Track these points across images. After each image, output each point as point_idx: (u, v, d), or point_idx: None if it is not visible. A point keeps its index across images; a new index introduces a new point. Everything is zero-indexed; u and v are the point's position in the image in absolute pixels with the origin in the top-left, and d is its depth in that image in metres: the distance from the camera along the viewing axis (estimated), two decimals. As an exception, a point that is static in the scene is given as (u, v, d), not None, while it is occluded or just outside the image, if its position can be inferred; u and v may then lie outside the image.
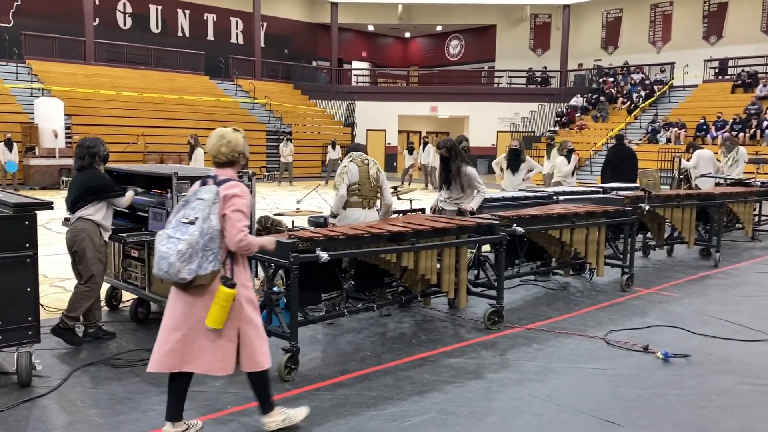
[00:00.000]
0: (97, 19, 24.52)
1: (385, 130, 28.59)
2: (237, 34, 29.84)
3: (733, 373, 4.35)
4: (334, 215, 5.49)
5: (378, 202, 5.57)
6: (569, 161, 9.96)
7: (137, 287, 5.19)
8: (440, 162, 6.49)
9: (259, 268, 5.46)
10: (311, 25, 31.93)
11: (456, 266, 5.12)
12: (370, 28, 33.92)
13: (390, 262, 4.71)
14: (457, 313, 5.71)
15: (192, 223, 3.06)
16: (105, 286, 5.67)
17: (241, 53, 28.61)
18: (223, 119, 23.09)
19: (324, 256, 4.09)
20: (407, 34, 35.79)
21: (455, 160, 6.24)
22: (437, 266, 5.02)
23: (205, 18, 28.82)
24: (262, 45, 28.60)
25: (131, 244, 5.03)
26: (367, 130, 28.39)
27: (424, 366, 4.40)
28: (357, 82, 32.16)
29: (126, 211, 5.22)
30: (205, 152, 13.12)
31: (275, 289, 4.45)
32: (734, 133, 20.37)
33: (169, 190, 4.77)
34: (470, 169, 6.25)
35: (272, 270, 4.42)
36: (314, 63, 31.78)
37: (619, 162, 11.38)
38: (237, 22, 29.68)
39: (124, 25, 26.62)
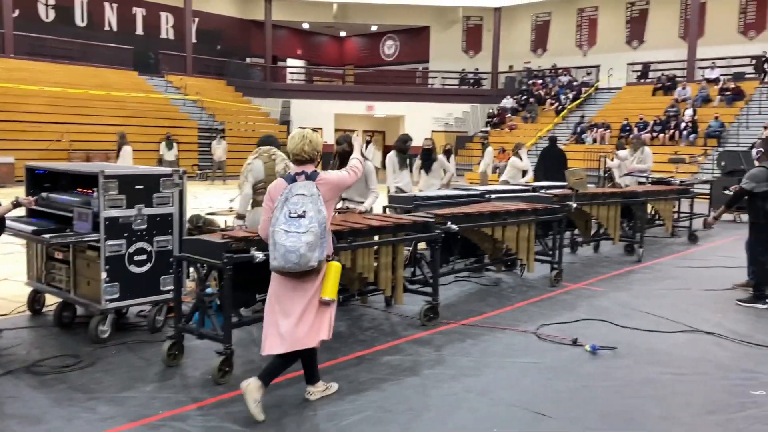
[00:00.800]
0: (17, 11, 23.33)
1: (321, 129, 28.44)
2: (167, 29, 29.03)
3: (656, 363, 4.55)
4: (240, 216, 5.36)
5: None
6: (521, 160, 10.65)
7: (62, 290, 4.97)
8: (339, 158, 6.19)
9: (191, 269, 5.33)
10: (244, 21, 31.42)
11: (393, 264, 5.15)
12: (305, 26, 33.68)
13: (326, 261, 4.68)
14: (393, 310, 5.75)
15: (302, 216, 3.38)
16: (27, 290, 5.42)
17: (172, 49, 27.84)
18: (153, 116, 22.41)
19: (259, 256, 4.03)
20: (342, 33, 35.73)
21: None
22: (374, 264, 5.04)
23: (134, 12, 27.90)
24: (194, 40, 27.93)
25: (55, 246, 4.81)
26: (302, 128, 28.13)
27: (361, 365, 4.40)
28: (292, 80, 31.86)
29: (51, 211, 5.00)
30: (133, 150, 12.72)
31: (208, 290, 4.36)
32: (655, 134, 21.38)
33: (95, 189, 4.59)
34: (370, 166, 6.04)
35: (205, 271, 4.32)
36: (248, 59, 31.29)
37: (551, 161, 11.78)
38: (167, 16, 28.87)
39: (47, 17, 25.43)
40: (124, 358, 4.44)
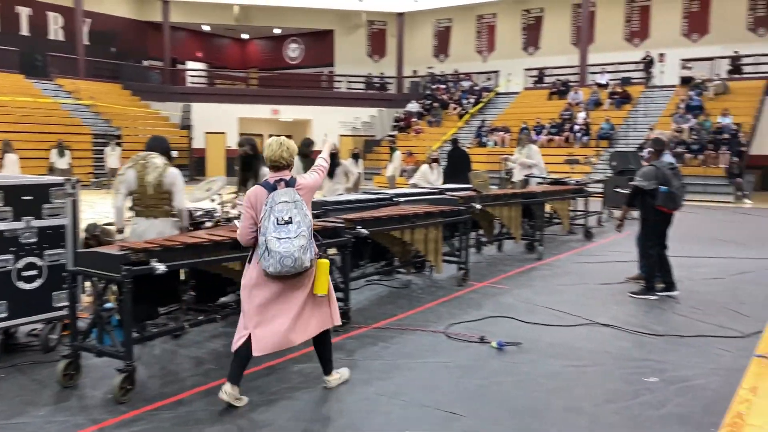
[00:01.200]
0: None
1: (225, 133, 27.80)
2: (56, 30, 27.41)
3: (559, 356, 4.75)
4: (120, 230, 5.12)
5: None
6: (432, 169, 11.00)
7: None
8: (241, 161, 6.02)
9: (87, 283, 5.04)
10: (140, 22, 30.19)
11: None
12: (206, 27, 32.79)
13: (234, 270, 4.57)
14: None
15: (289, 222, 3.59)
16: None
17: (62, 51, 26.33)
18: (42, 122, 21.11)
19: (160, 267, 3.87)
20: (245, 36, 35.09)
21: (257, 159, 5.83)
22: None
23: (17, 11, 26.13)
24: (87, 42, 26.55)
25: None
26: (206, 132, 27.44)
27: (272, 374, 4.31)
28: (193, 83, 30.92)
29: None
30: (19, 158, 11.92)
31: (107, 305, 4.14)
32: (551, 136, 22.41)
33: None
34: (267, 171, 6.00)
35: (102, 285, 4.10)
36: (145, 62, 30.08)
37: (456, 164, 12.13)
38: (56, 17, 27.26)
39: None
40: (14, 381, 4.13)
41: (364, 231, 5.65)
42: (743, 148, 19.00)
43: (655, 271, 6.59)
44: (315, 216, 6.25)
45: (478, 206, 7.57)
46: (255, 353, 3.72)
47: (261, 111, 28.68)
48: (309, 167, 8.52)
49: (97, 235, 5.92)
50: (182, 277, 4.80)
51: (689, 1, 25.30)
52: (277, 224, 3.57)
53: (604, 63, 25.34)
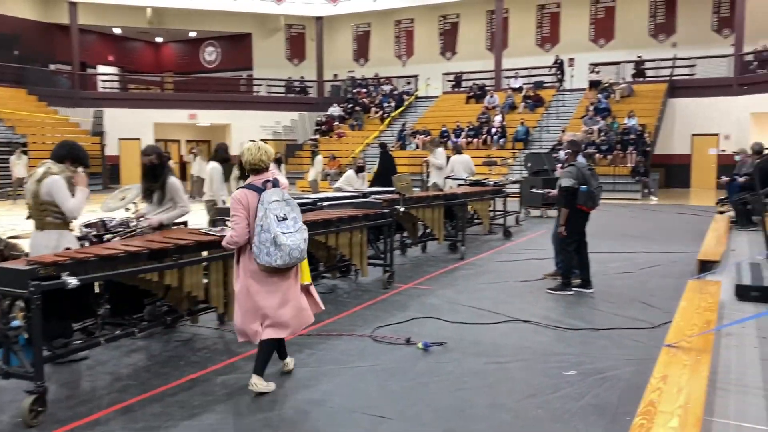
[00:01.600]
0: None
1: (140, 139, 26.83)
2: (-50, 30, 25.68)
3: (482, 354, 4.86)
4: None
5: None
6: (357, 175, 11.13)
7: None
8: (146, 171, 5.61)
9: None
10: (46, 24, 28.67)
11: (224, 279, 4.97)
12: (117, 30, 31.55)
13: (151, 281, 4.41)
14: (227, 328, 5.55)
15: (285, 219, 3.88)
16: None
17: (-43, 53, 24.69)
18: (-64, 129, 19.70)
19: (72, 281, 3.69)
20: (159, 39, 34.00)
21: (164, 169, 5.49)
22: (204, 281, 4.83)
23: None
24: (-15, 45, 25.01)
25: None
26: (120, 139, 26.40)
27: (194, 388, 4.19)
28: (105, 88, 29.66)
29: None
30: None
31: (14, 323, 3.89)
32: (469, 139, 22.92)
33: None
34: (175, 180, 5.56)
35: (8, 302, 3.86)
36: (52, 66, 28.60)
37: (383, 167, 12.28)
38: (-51, 17, 25.54)
39: None
40: None
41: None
42: (648, 148, 20.08)
43: (571, 268, 6.85)
44: (160, 227, 6.09)
45: (402, 208, 7.64)
46: (261, 338, 4.05)
47: (177, 116, 27.86)
48: (230, 172, 8.36)
49: (2, 250, 5.57)
50: (97, 290, 4.59)
51: (595, 8, 26.53)
52: (278, 220, 3.85)
53: (518, 68, 26.17)
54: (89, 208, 5.19)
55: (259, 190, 3.92)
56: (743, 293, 4.70)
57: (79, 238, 5.03)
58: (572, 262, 6.84)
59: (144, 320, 4.85)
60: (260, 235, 3.85)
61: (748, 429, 2.73)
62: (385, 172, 12.20)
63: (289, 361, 4.48)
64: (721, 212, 10.53)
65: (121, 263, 4.18)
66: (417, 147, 23.49)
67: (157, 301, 4.95)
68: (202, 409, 3.85)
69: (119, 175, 25.81)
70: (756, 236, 7.63)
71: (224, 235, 4.19)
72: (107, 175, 24.61)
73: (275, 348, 4.21)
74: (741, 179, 9.08)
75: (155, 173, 5.45)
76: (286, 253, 3.84)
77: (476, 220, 10.82)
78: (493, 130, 22.87)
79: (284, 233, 3.85)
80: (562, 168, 7.25)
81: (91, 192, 5.71)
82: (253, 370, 4.07)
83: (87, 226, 5.36)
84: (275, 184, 3.96)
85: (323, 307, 4.45)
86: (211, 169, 7.94)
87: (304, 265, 4.20)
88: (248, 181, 4.04)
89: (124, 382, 4.28)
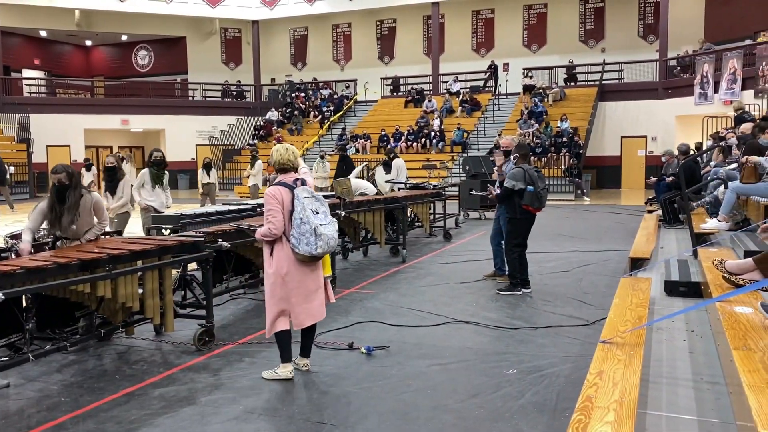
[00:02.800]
0: None
1: (69, 146, 25.84)
2: None
3: (424, 356, 4.89)
4: None
5: None
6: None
7: None
8: (55, 191, 5.00)
9: None
10: (-36, 26, 27.29)
11: (160, 289, 4.84)
12: (43, 33, 30.30)
13: (83, 293, 4.25)
14: (165, 338, 5.40)
15: (317, 213, 4.25)
16: None
17: None
18: None
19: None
20: (88, 42, 32.81)
21: (76, 188, 4.99)
22: (139, 291, 4.69)
23: None
24: None
25: None
26: (48, 146, 25.32)
27: (130, 402, 4.05)
28: (30, 93, 28.42)
29: None
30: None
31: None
32: (409, 143, 23.11)
33: None
34: (96, 196, 5.22)
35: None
36: (-28, 70, 27.21)
37: (341, 172, 12.30)
38: None
39: None
40: None
41: (226, 244, 5.48)
42: (580, 150, 20.74)
43: (518, 269, 6.94)
44: (173, 231, 6.01)
45: (342, 213, 7.62)
46: (296, 327, 4.38)
47: (109, 121, 26.98)
48: (159, 180, 8.26)
49: None
50: (24, 304, 4.38)
51: (528, 14, 27.22)
52: (315, 213, 4.22)
53: (455, 72, 26.57)
54: (16, 219, 4.95)
55: (291, 188, 4.27)
56: (672, 289, 4.89)
57: (3, 250, 4.80)
58: (517, 265, 6.89)
59: (77, 333, 4.67)
60: (300, 227, 4.17)
61: (679, 420, 2.84)
62: (344, 176, 12.21)
63: (308, 362, 4.66)
64: (650, 211, 10.94)
65: (50, 275, 4.01)
66: (357, 151, 23.51)
67: (91, 313, 4.77)
68: (139, 423, 3.73)
69: (47, 183, 24.75)
70: (683, 233, 7.97)
71: (255, 228, 4.63)
72: (35, 184, 23.59)
73: (290, 335, 4.44)
74: (668, 179, 9.47)
75: (63, 194, 4.93)
76: (325, 242, 4.20)
77: (417, 224, 10.91)
78: (432, 134, 23.13)
79: (321, 224, 4.21)
80: (498, 171, 7.40)
81: (18, 201, 5.44)
82: (282, 360, 4.42)
83: (12, 237, 5.12)
84: (304, 182, 4.34)
85: (334, 300, 4.69)
86: (141, 175, 8.08)
87: (326, 259, 4.56)
88: (278, 179, 4.38)
89: (55, 399, 4.10)
